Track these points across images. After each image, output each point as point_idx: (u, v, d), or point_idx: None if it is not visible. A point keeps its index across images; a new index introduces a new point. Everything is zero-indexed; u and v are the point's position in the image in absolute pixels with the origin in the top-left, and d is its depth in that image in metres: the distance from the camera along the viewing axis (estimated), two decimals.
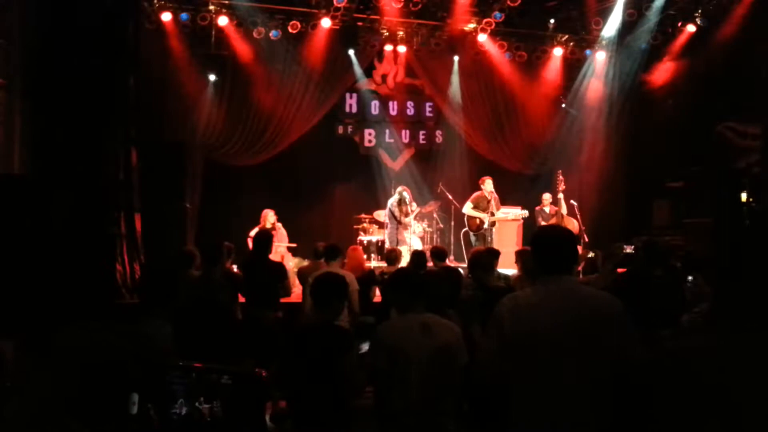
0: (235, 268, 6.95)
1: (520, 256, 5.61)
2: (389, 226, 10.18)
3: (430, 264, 6.74)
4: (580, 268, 6.72)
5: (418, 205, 10.89)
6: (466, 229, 10.11)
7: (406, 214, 10.11)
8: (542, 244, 2.63)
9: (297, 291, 6.61)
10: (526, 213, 10.18)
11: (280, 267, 5.94)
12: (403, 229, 10.12)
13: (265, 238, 6.08)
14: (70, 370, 2.14)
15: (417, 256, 6.43)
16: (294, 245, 9.74)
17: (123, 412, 1.96)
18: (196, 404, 1.97)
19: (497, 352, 2.55)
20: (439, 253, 6.69)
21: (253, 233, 8.85)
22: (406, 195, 10.16)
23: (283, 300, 5.91)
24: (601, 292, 2.58)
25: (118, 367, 2.13)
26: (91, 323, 2.37)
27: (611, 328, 2.38)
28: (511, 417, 2.47)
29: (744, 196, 9.19)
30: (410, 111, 12.90)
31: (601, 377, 2.35)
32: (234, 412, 1.96)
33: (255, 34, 10.51)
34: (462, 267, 8.37)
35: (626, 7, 10.62)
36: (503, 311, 2.55)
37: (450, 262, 9.46)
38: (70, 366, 2.15)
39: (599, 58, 11.94)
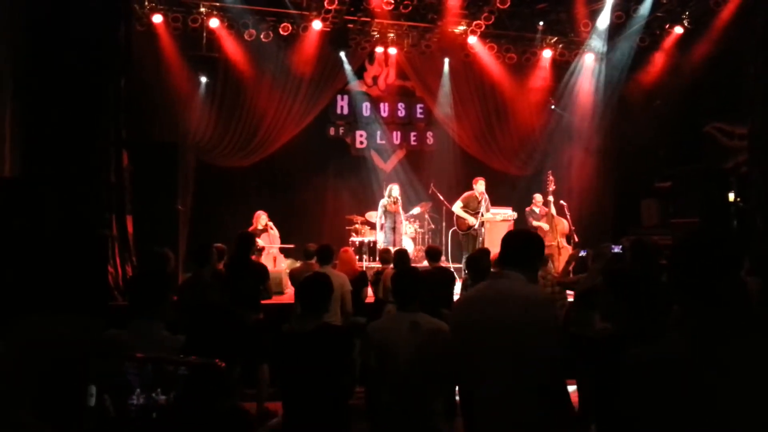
0: None
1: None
2: (384, 226, 10.18)
3: (425, 264, 6.76)
4: (570, 268, 6.77)
5: (409, 205, 10.96)
6: (455, 228, 10.16)
7: (395, 210, 10.12)
8: (502, 242, 2.74)
9: (289, 292, 6.63)
10: (515, 215, 10.25)
11: (262, 269, 5.89)
12: (399, 226, 10.12)
13: (247, 239, 5.98)
14: (25, 361, 2.15)
15: (400, 254, 6.47)
16: (290, 246, 9.74)
17: (80, 405, 1.96)
18: (153, 395, 1.98)
19: (453, 344, 2.74)
20: (433, 254, 6.73)
21: None
22: (395, 189, 10.20)
23: (273, 300, 5.91)
24: (536, 291, 2.65)
25: (74, 360, 2.14)
26: (49, 317, 2.38)
27: (536, 326, 2.44)
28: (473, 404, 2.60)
29: (731, 196, 9.29)
30: (401, 112, 12.97)
31: (527, 370, 2.41)
32: (191, 403, 1.97)
33: (246, 36, 10.53)
34: (454, 267, 8.43)
35: (614, 9, 10.72)
36: (455, 304, 2.78)
37: (442, 262, 9.51)
38: (25, 357, 2.17)
39: (588, 59, 12.04)
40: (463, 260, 9.19)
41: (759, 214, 8.00)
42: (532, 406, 2.43)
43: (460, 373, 2.72)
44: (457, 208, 10.00)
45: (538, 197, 10.23)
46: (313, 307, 3.38)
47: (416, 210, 11.04)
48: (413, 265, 8.05)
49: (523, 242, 2.70)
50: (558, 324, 2.55)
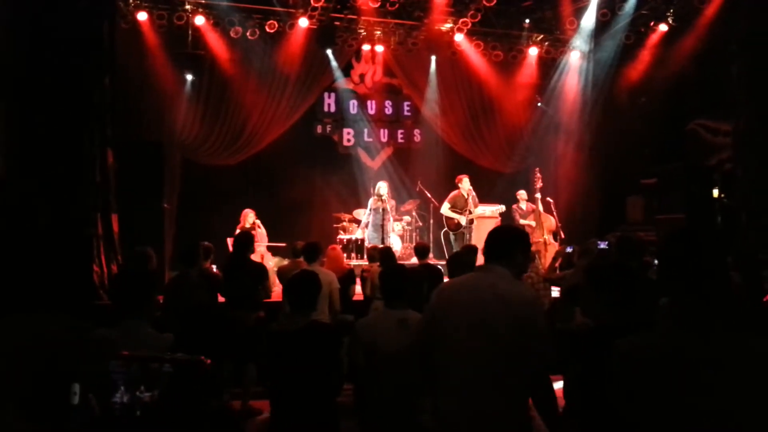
0: (214, 268, 6.94)
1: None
2: (370, 224, 10.19)
3: (414, 260, 6.77)
4: (557, 264, 6.81)
5: (396, 203, 10.97)
6: (446, 229, 10.18)
7: (384, 208, 10.13)
8: (487, 237, 2.75)
9: (277, 290, 6.62)
10: (502, 207, 10.26)
11: (260, 268, 5.92)
12: (387, 223, 10.12)
13: (246, 239, 6.03)
14: (12, 360, 2.14)
15: (385, 252, 6.48)
16: (282, 244, 9.72)
17: (63, 402, 1.95)
18: (137, 393, 1.97)
19: (420, 329, 2.73)
20: (421, 250, 6.74)
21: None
22: (383, 186, 10.21)
23: (264, 300, 5.91)
24: (524, 288, 2.64)
25: (56, 358, 2.13)
26: (37, 316, 2.37)
27: (521, 323, 2.43)
28: (435, 393, 2.61)
29: (716, 192, 9.38)
30: (388, 110, 12.98)
31: (504, 366, 2.42)
32: (175, 400, 1.97)
33: (232, 34, 10.49)
34: (441, 265, 8.45)
35: (600, 7, 10.78)
36: (433, 294, 2.72)
37: (430, 259, 9.53)
38: (12, 357, 2.15)
39: (574, 57, 12.10)
40: None
41: (743, 210, 8.09)
42: (506, 402, 2.43)
43: (421, 360, 2.70)
44: (446, 209, 10.01)
45: (522, 194, 10.27)
46: (300, 304, 3.38)
47: (400, 224, 11.05)
48: (401, 262, 8.07)
49: (506, 237, 2.70)
50: (545, 321, 2.53)
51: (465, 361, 2.45)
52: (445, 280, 6.38)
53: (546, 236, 9.60)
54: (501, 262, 2.60)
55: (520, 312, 2.44)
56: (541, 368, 2.47)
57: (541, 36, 11.91)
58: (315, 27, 10.92)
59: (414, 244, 10.81)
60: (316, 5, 10.24)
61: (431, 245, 10.92)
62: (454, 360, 2.49)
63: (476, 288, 2.56)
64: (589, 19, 11.10)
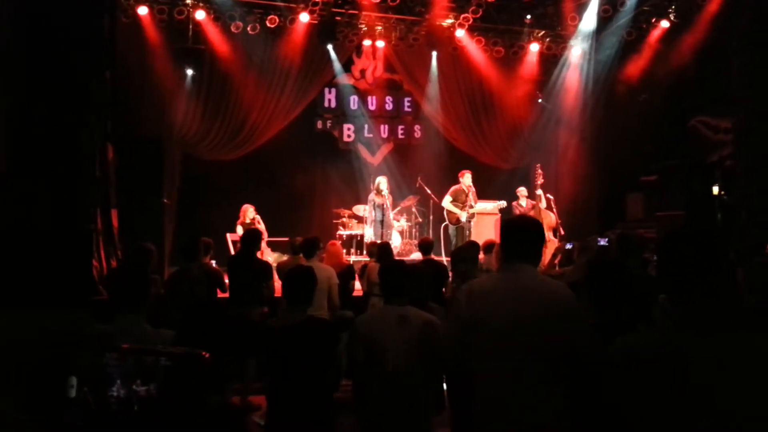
0: (214, 263, 6.94)
1: (498, 248, 5.67)
2: (374, 220, 10.16)
3: (418, 255, 6.76)
4: (556, 261, 6.81)
5: (397, 198, 10.95)
6: (446, 222, 10.17)
7: (384, 205, 10.11)
8: (506, 233, 2.69)
9: (277, 285, 6.63)
10: (503, 203, 10.24)
11: (266, 266, 5.96)
12: (387, 219, 10.10)
13: (253, 237, 6.07)
14: (10, 355, 2.14)
15: (383, 248, 6.47)
16: (285, 239, 9.70)
17: (61, 396, 1.95)
18: (133, 387, 1.96)
19: (456, 337, 2.63)
20: (424, 246, 6.72)
21: (239, 231, 8.93)
22: (383, 182, 10.18)
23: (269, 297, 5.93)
24: (557, 284, 2.59)
25: (55, 353, 2.13)
26: (36, 312, 2.37)
27: (563, 321, 2.41)
28: (474, 399, 2.55)
29: (716, 189, 9.38)
30: (389, 106, 12.96)
31: (549, 366, 2.39)
32: (172, 394, 1.96)
33: (233, 29, 10.46)
34: (442, 260, 8.44)
35: (601, 3, 10.75)
36: (461, 297, 2.63)
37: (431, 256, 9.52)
38: (10, 351, 2.15)
39: (575, 53, 12.07)
40: None
41: (743, 207, 8.09)
42: (551, 401, 2.40)
43: (460, 366, 2.65)
44: (447, 202, 10.00)
45: (522, 190, 10.26)
46: (296, 299, 3.38)
47: (401, 223, 11.01)
48: (401, 258, 8.07)
49: (528, 232, 2.63)
50: (582, 313, 2.50)
51: (509, 363, 2.41)
52: (449, 275, 6.40)
53: (546, 233, 9.59)
54: (526, 260, 2.56)
55: (560, 309, 2.42)
56: (586, 360, 2.41)
57: (543, 32, 11.87)
58: (316, 22, 10.88)
59: (413, 239, 10.84)
60: (317, 0, 10.20)
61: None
62: (496, 363, 2.45)
63: (510, 290, 2.50)
64: (590, 15, 11.07)
